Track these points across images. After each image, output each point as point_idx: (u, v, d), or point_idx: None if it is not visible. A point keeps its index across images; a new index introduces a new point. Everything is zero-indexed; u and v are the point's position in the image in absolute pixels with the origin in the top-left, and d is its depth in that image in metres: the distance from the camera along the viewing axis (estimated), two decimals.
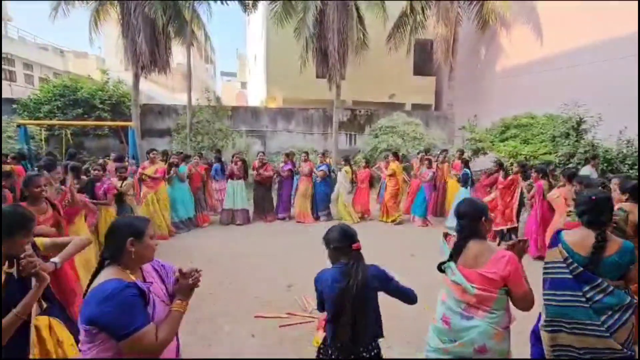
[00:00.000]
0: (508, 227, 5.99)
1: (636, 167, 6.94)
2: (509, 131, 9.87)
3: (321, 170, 7.79)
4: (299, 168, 7.92)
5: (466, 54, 14.04)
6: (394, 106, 16.14)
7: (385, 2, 12.02)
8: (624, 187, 3.13)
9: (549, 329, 2.04)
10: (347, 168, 7.95)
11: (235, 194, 7.45)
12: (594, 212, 1.98)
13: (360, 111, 15.03)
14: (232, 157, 7.87)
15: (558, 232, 2.14)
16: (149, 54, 10.65)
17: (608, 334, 1.86)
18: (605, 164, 7.14)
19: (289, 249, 5.97)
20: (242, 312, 3.66)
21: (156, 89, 23.30)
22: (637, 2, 8.78)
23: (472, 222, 1.86)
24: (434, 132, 13.23)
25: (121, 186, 5.26)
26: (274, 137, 14.31)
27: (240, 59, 36.75)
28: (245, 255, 5.58)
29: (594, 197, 2.01)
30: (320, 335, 2.97)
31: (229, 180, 7.54)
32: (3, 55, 16.84)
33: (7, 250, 1.64)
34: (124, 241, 1.43)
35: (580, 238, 2.00)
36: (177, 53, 14.05)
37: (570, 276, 1.95)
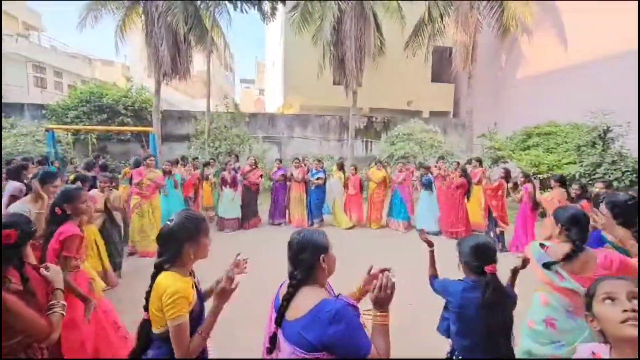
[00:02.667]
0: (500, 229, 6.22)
1: None
2: (530, 140, 9.61)
3: (318, 177, 7.72)
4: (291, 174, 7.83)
5: (486, 61, 13.79)
6: (412, 113, 15.99)
7: (403, 10, 11.99)
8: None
9: None
10: (340, 174, 7.89)
11: (228, 203, 7.23)
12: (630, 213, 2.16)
13: (377, 118, 14.97)
14: (225, 164, 7.65)
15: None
16: (171, 62, 10.99)
17: None
18: (635, 175, 6.81)
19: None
20: (257, 316, 3.64)
21: (177, 96, 23.99)
22: None
23: (585, 233, 1.98)
24: (452, 140, 13.01)
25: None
26: (290, 144, 14.40)
27: (258, 67, 37.40)
28: (258, 258, 5.59)
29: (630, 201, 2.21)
30: None
31: (223, 188, 7.28)
32: (35, 64, 17.74)
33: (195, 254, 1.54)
34: (316, 257, 1.34)
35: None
36: (198, 60, 14.43)
37: None
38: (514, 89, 13.44)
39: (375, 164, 8.15)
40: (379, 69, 12.83)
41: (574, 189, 4.79)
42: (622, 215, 2.17)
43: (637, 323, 0.98)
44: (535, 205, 5.72)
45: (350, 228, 7.65)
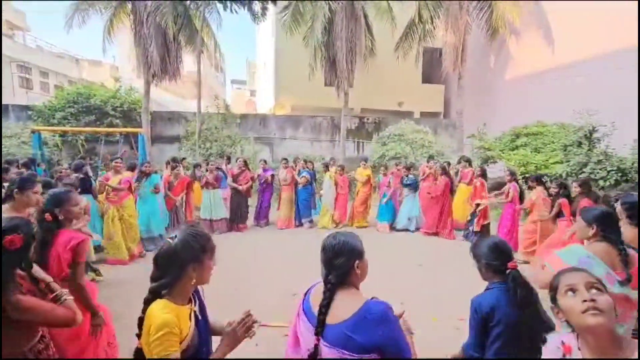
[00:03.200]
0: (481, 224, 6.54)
1: None
2: (519, 140, 9.75)
3: (303, 177, 7.78)
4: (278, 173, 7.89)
5: (475, 62, 13.97)
6: (403, 114, 16.10)
7: (394, 11, 12.08)
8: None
9: None
10: (330, 173, 7.94)
11: (213, 204, 7.12)
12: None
13: (368, 119, 15.04)
14: (207, 165, 7.52)
15: None
16: (160, 62, 10.89)
17: None
18: (620, 174, 6.96)
19: (291, 255, 5.94)
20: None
21: (167, 96, 23.73)
22: None
23: (620, 230, 2.00)
24: (442, 140, 13.13)
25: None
26: (282, 144, 14.37)
27: (250, 68, 37.26)
28: (246, 262, 5.56)
29: None
30: None
31: (205, 189, 7.16)
32: (20, 64, 17.38)
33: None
34: (351, 263, 1.33)
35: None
36: (188, 61, 14.32)
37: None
38: (503, 90, 13.64)
39: (361, 163, 8.28)
40: (370, 70, 12.88)
41: (552, 187, 5.00)
42: (636, 216, 2.15)
43: (596, 312, 1.02)
44: (521, 203, 5.87)
45: (334, 228, 7.70)
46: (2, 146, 9.65)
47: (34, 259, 1.87)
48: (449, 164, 8.67)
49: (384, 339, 1.19)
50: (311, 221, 7.97)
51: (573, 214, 4.52)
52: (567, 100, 10.29)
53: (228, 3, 9.36)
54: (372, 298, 1.32)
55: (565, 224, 4.75)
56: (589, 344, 1.08)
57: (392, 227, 7.73)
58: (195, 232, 1.36)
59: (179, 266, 1.30)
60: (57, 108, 11.41)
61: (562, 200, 4.86)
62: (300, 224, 7.88)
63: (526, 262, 5.46)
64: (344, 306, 1.26)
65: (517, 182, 6.13)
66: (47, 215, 2.13)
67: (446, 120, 16.43)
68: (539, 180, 5.66)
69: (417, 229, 7.61)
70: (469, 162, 8.32)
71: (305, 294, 1.46)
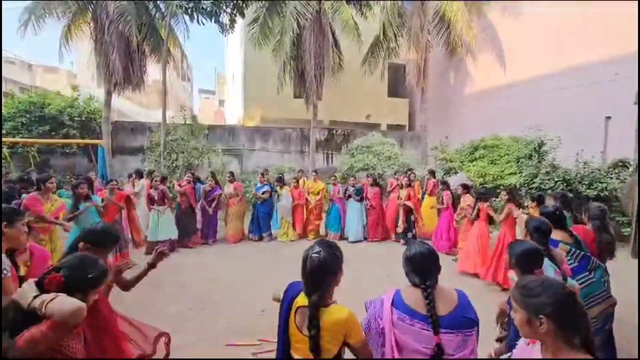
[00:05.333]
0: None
1: (593, 187, 7.43)
2: (477, 152, 10.34)
3: (264, 190, 7.82)
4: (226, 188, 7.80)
5: (437, 78, 14.75)
6: (370, 126, 16.58)
7: (360, 29, 12.55)
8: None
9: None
10: (287, 187, 8.03)
11: (159, 224, 6.55)
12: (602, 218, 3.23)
13: (337, 131, 15.32)
14: (151, 180, 6.95)
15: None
16: (123, 71, 10.49)
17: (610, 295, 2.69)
18: (565, 184, 7.59)
19: (258, 271, 5.84)
20: (213, 340, 3.54)
21: (129, 106, 22.81)
22: (587, 35, 9.64)
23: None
24: (408, 152, 13.64)
25: None
26: (251, 156, 14.27)
27: (218, 77, 36.80)
28: (208, 281, 5.37)
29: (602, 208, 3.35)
30: None
31: (151, 207, 6.63)
32: None
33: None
34: (439, 267, 1.65)
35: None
36: (153, 70, 13.93)
37: (577, 263, 2.68)
38: (463, 104, 14.48)
39: (313, 176, 8.51)
40: (338, 83, 13.21)
41: (475, 194, 6.33)
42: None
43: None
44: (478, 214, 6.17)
45: (294, 240, 7.82)
46: None
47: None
48: (414, 174, 9.15)
49: (476, 314, 1.56)
50: (270, 234, 7.93)
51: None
52: (518, 115, 11.11)
53: (194, 14, 9.25)
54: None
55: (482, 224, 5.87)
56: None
57: (341, 237, 7.94)
58: (331, 243, 1.64)
59: (333, 274, 1.54)
60: (7, 117, 10.63)
61: (481, 205, 5.87)
62: (261, 238, 7.80)
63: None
64: (447, 298, 1.57)
65: (470, 194, 6.68)
66: (82, 245, 2.01)
67: (411, 132, 17.11)
68: (465, 187, 6.79)
69: (365, 237, 7.96)
70: (432, 173, 8.75)
71: (393, 303, 1.61)
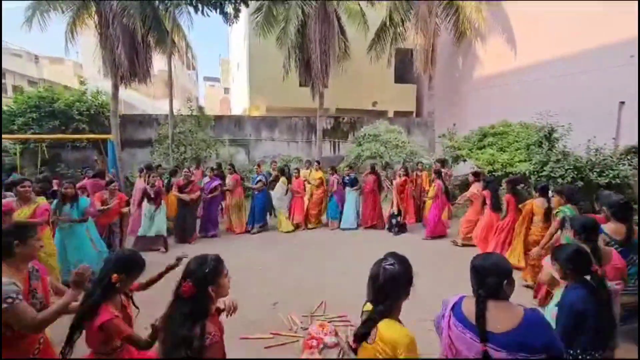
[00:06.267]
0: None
1: (604, 174, 7.31)
2: (486, 139, 10.19)
3: (259, 181, 7.89)
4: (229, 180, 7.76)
5: (445, 64, 14.44)
6: (377, 114, 16.41)
7: (366, 14, 12.27)
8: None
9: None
10: (284, 179, 8.06)
11: (153, 219, 6.37)
12: (625, 210, 3.08)
13: (343, 119, 15.22)
14: (147, 175, 6.69)
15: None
16: (129, 65, 10.50)
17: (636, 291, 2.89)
18: (576, 172, 7.48)
19: (261, 263, 5.92)
20: (225, 334, 3.66)
21: (136, 96, 22.90)
22: (600, 17, 9.30)
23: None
24: (415, 139, 13.52)
25: None
26: (257, 146, 14.30)
27: (222, 65, 36.50)
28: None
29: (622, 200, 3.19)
30: (307, 355, 3.03)
31: (147, 203, 6.40)
32: None
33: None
34: (501, 280, 1.58)
35: (615, 228, 3.05)
36: (158, 60, 13.88)
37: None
38: (471, 90, 14.19)
39: (314, 165, 8.63)
40: (344, 70, 13.04)
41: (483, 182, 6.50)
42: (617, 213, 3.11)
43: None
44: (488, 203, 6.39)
45: (292, 231, 7.90)
46: None
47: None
48: (422, 164, 9.24)
49: (551, 341, 1.46)
50: (265, 225, 8.02)
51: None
52: (528, 101, 10.88)
53: (199, 6, 9.14)
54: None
55: (489, 211, 6.13)
56: None
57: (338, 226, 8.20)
58: (402, 257, 1.64)
59: (402, 287, 1.55)
60: (17, 113, 10.79)
61: (486, 192, 6.17)
62: (260, 229, 7.89)
63: (464, 246, 6.63)
64: (506, 316, 1.50)
65: (479, 182, 6.82)
66: (115, 277, 1.90)
67: (418, 119, 16.89)
68: (475, 175, 7.00)
69: (358, 225, 8.23)
70: (442, 162, 8.73)
71: (453, 308, 1.65)
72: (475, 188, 6.64)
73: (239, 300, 2.06)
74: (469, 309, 1.57)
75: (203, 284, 1.58)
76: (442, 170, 8.24)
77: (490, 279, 1.54)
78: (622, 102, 9.20)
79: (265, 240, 7.38)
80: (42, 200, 4.27)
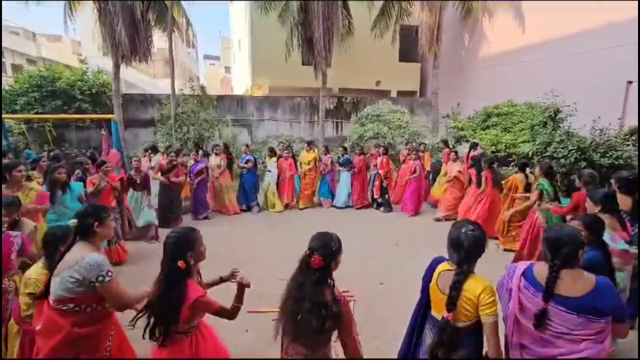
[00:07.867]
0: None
1: (607, 155, 7.30)
2: (490, 119, 10.12)
3: (248, 160, 7.88)
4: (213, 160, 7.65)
5: (450, 42, 14.13)
6: (380, 93, 16.21)
7: None
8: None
9: None
10: (275, 158, 8.10)
11: (139, 208, 5.98)
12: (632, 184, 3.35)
13: (346, 98, 15.05)
14: (131, 161, 6.34)
15: None
16: (129, 43, 10.35)
17: None
18: (579, 153, 7.47)
19: (261, 241, 6.08)
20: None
21: (137, 75, 22.62)
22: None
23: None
24: (419, 120, 13.41)
25: None
26: (260, 126, 14.25)
27: (223, 43, 35.71)
28: (230, 249, 5.66)
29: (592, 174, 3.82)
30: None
31: (132, 190, 5.95)
32: None
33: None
34: (577, 249, 1.75)
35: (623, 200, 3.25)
36: (158, 38, 13.63)
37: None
38: (477, 69, 13.94)
39: (306, 146, 8.68)
40: (347, 49, 12.79)
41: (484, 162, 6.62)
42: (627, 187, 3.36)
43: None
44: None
45: (281, 211, 8.00)
46: None
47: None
48: (424, 145, 9.25)
49: (616, 304, 1.64)
50: (258, 204, 8.10)
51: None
52: (535, 80, 10.70)
53: None
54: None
55: (473, 188, 6.62)
56: None
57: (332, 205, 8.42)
58: (476, 223, 1.89)
59: (482, 249, 1.81)
60: (20, 93, 10.74)
61: (471, 171, 6.72)
62: (249, 208, 7.97)
63: (447, 220, 7.05)
64: (578, 282, 1.68)
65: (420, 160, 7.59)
66: (182, 263, 1.85)
67: (422, 99, 16.68)
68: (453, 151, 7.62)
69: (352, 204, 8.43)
70: (445, 143, 8.72)
71: (524, 273, 1.83)
72: (458, 167, 7.28)
73: (247, 275, 2.21)
74: (541, 274, 1.75)
75: (330, 258, 1.85)
76: (445, 150, 8.28)
77: (566, 249, 1.69)
78: (630, 82, 9.06)
79: (265, 220, 7.49)
80: (36, 186, 4.04)
